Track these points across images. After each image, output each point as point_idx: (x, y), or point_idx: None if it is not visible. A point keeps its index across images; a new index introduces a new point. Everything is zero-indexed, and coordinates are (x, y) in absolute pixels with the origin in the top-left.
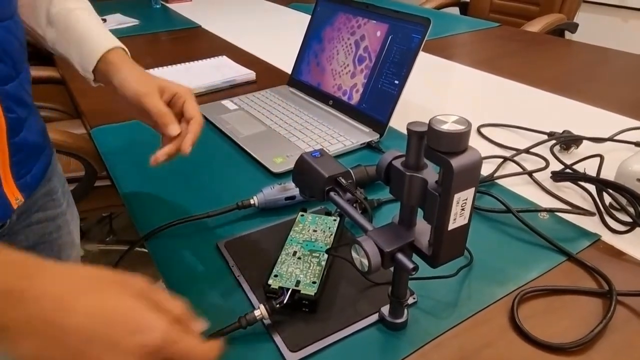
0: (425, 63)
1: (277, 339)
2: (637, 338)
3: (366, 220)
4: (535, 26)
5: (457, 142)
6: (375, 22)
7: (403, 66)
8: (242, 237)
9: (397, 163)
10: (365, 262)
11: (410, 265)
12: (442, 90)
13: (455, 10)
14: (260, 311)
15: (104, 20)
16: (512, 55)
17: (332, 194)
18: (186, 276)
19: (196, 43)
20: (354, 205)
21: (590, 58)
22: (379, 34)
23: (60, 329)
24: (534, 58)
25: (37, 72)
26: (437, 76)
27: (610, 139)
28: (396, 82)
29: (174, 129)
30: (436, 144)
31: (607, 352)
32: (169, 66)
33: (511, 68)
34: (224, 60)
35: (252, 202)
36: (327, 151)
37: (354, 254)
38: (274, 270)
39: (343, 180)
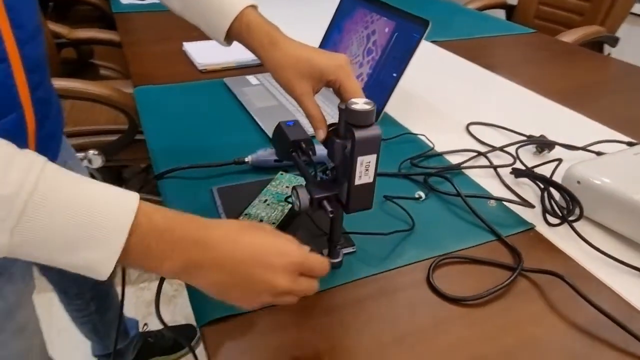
0: (442, 60)
1: None
2: (527, 303)
3: (311, 176)
4: (571, 36)
5: (362, 118)
6: (385, 19)
7: (402, 61)
8: (232, 186)
9: (332, 132)
10: (297, 202)
11: (329, 209)
12: (449, 88)
13: (500, 13)
14: None
15: None
16: (532, 62)
17: (294, 154)
18: (184, 210)
19: None
20: (315, 169)
21: (609, 73)
22: (387, 30)
23: (235, 262)
24: (552, 67)
25: (99, 34)
26: (450, 74)
27: (584, 148)
28: (394, 74)
29: (319, 135)
30: (350, 118)
31: (496, 307)
32: (203, 41)
33: (525, 75)
34: None
35: (246, 159)
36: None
37: (293, 197)
38: (245, 211)
39: (304, 145)
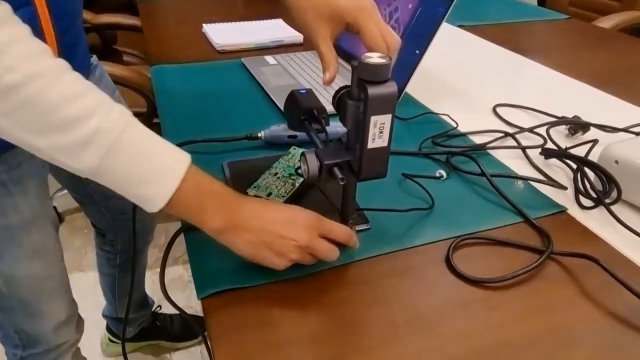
0: (468, 44)
1: None
2: (557, 288)
3: (321, 142)
4: (608, 22)
5: (375, 72)
6: None
7: (425, 37)
8: (243, 161)
9: (344, 94)
10: (306, 169)
11: (340, 176)
12: (474, 70)
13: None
14: None
15: None
16: (566, 46)
17: (305, 123)
18: None
19: (259, 5)
20: (327, 143)
21: None
22: (410, 6)
23: (261, 223)
24: (587, 52)
25: (123, 19)
26: (476, 57)
27: (625, 130)
28: (417, 51)
29: (326, 77)
30: (363, 74)
31: (522, 291)
32: (223, 23)
33: (557, 58)
34: (278, 22)
35: (259, 135)
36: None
37: (301, 164)
38: (254, 183)
39: (316, 112)
